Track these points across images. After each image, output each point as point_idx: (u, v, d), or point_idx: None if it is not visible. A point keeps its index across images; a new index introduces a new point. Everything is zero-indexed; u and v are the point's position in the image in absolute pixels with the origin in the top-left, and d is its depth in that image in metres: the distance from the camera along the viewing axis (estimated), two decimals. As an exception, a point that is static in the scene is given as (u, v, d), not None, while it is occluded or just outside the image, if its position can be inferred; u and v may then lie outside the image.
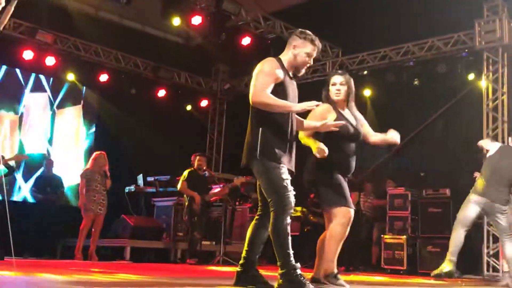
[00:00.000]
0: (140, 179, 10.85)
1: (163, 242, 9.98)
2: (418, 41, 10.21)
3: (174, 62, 12.46)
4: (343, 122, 4.46)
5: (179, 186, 9.15)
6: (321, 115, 4.56)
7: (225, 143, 13.24)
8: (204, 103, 13.53)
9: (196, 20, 10.39)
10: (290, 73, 4.20)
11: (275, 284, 3.90)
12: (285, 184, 3.95)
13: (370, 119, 5.33)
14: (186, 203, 9.11)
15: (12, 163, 8.00)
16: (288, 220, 3.93)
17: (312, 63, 4.29)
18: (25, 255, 8.59)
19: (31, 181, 10.53)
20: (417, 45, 10.24)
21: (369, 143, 4.92)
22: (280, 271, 3.89)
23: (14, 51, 10.38)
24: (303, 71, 4.27)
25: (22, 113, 11.07)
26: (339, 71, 4.96)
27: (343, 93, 4.71)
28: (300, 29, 4.27)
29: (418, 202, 9.38)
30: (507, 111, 9.05)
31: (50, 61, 10.75)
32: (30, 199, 10.34)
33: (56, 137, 11.55)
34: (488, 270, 8.66)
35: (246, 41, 11.08)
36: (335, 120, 4.48)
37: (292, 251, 3.89)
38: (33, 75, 11.24)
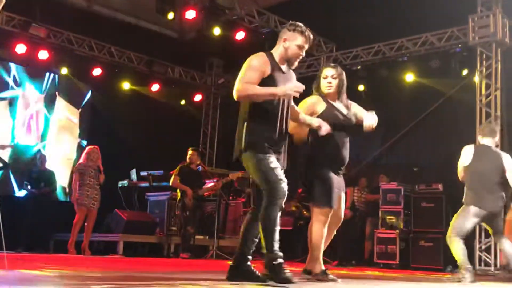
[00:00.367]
0: (133, 173, 10.85)
1: (157, 236, 9.98)
2: (411, 36, 10.24)
3: (168, 56, 12.44)
4: (329, 130, 4.41)
5: (171, 181, 9.15)
6: (311, 106, 4.61)
7: (219, 138, 13.24)
8: (198, 97, 13.51)
9: (190, 14, 10.38)
10: (283, 67, 4.19)
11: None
12: (276, 173, 3.96)
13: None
14: (179, 198, 9.12)
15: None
16: (279, 208, 3.93)
17: (304, 55, 4.26)
18: (18, 250, 8.59)
19: (24, 176, 10.47)
20: (411, 40, 10.26)
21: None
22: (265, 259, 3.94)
23: (7, 45, 10.32)
24: (296, 63, 4.26)
25: (15, 107, 11.01)
26: (331, 64, 4.95)
27: (335, 87, 4.71)
28: (290, 22, 4.24)
29: (411, 197, 9.40)
30: (500, 106, 9.09)
31: (43, 55, 10.70)
32: (23, 194, 10.30)
33: (49, 132, 11.49)
34: (480, 265, 8.72)
35: (240, 35, 11.05)
36: (325, 111, 4.60)
37: (279, 244, 3.92)
38: (25, 69, 11.17)
